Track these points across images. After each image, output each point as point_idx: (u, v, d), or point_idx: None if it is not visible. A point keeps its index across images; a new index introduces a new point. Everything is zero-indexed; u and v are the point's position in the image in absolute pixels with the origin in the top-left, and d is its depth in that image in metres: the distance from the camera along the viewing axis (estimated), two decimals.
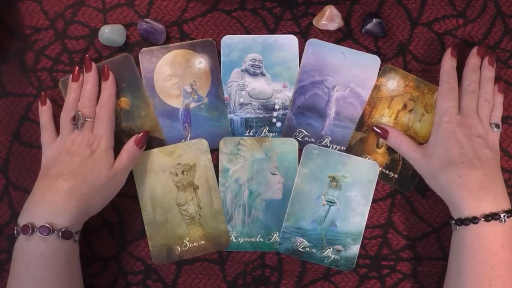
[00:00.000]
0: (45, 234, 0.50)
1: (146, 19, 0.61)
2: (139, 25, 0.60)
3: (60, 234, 0.51)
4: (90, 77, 0.58)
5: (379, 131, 0.59)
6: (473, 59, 0.58)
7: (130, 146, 0.58)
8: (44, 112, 0.59)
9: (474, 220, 0.51)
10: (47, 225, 0.50)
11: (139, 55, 0.61)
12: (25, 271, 0.51)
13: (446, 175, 0.53)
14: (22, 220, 0.52)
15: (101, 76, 0.59)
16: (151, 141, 0.61)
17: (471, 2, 0.62)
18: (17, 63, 0.62)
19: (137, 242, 0.61)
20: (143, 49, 0.61)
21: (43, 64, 0.62)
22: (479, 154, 0.53)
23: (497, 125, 0.56)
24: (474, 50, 0.59)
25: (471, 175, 0.52)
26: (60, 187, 0.52)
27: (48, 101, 0.59)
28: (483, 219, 0.51)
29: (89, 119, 0.57)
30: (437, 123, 0.57)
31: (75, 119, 0.57)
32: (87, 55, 0.60)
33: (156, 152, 0.60)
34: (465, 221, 0.51)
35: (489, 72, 0.58)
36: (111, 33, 0.60)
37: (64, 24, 0.62)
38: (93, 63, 0.59)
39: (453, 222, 0.53)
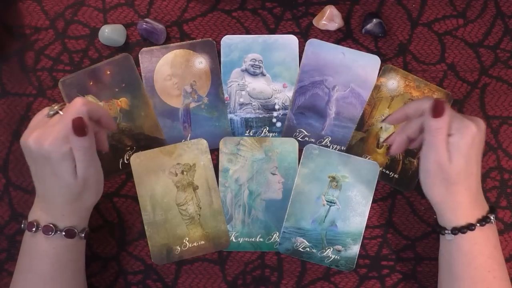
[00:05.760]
0: (48, 234, 0.50)
1: (146, 19, 0.61)
2: (139, 25, 0.60)
3: (63, 233, 0.51)
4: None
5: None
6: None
7: (74, 141, 0.48)
8: None
9: (471, 227, 0.50)
10: (50, 225, 0.50)
11: (139, 55, 0.61)
12: (29, 266, 0.51)
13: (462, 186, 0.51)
14: (30, 216, 0.52)
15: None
16: (151, 141, 0.61)
17: (471, 2, 0.62)
18: (17, 63, 0.62)
19: (137, 242, 0.61)
20: (143, 49, 0.61)
21: (43, 64, 0.62)
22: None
23: None
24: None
25: (470, 183, 0.51)
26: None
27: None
28: (478, 225, 0.50)
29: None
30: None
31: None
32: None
33: (156, 152, 0.60)
34: (462, 229, 0.51)
35: None
36: (111, 33, 0.60)
37: (64, 24, 0.62)
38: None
39: (447, 232, 0.51)
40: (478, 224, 0.50)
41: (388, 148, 0.56)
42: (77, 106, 0.48)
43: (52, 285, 0.51)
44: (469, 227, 0.50)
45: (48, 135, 0.48)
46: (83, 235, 0.53)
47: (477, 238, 0.51)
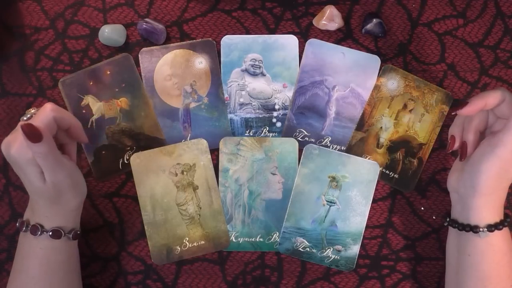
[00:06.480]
0: (35, 233, 0.50)
1: (146, 19, 0.61)
2: (139, 25, 0.60)
3: (50, 234, 0.51)
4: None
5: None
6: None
7: (30, 147, 0.47)
8: None
9: (504, 222, 0.51)
10: (37, 225, 0.51)
11: (139, 55, 0.61)
12: (21, 266, 0.52)
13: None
14: (24, 216, 0.53)
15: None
16: (151, 141, 0.61)
17: (471, 2, 0.62)
18: (17, 63, 0.62)
19: (137, 242, 0.61)
20: (143, 49, 0.61)
21: (43, 64, 0.62)
22: None
23: None
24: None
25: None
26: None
27: None
28: (509, 220, 0.51)
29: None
30: None
31: None
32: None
33: (156, 152, 0.60)
34: (498, 226, 0.50)
35: None
36: (111, 33, 0.60)
37: (64, 24, 0.62)
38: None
39: (482, 230, 0.50)
40: (508, 219, 0.51)
41: (458, 152, 0.55)
42: (46, 112, 0.48)
43: (42, 285, 0.51)
44: (503, 223, 0.50)
45: (15, 141, 0.47)
46: (71, 236, 0.52)
47: (507, 234, 0.51)
